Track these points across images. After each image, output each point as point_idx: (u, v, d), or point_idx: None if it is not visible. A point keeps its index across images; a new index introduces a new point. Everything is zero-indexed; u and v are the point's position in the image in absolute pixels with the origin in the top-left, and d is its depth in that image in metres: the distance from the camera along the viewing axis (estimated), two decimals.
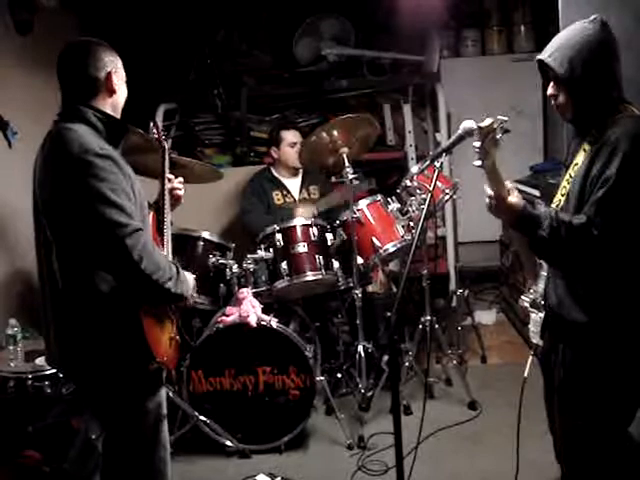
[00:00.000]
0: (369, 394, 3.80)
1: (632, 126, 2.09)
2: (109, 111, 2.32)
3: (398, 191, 3.94)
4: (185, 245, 3.76)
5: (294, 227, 3.85)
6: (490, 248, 5.64)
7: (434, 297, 4.52)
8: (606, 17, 2.17)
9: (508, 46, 6.01)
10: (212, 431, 3.57)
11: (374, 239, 3.81)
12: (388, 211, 3.92)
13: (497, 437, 3.52)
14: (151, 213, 2.55)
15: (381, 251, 3.80)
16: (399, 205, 3.90)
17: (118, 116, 2.38)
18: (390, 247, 3.81)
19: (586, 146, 2.19)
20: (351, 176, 3.84)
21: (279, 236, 3.82)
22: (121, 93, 2.38)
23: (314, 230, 3.85)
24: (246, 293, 3.65)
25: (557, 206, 2.25)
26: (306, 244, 3.81)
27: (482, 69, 5.92)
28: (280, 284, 3.77)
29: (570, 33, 2.17)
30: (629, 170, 2.02)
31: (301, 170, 4.58)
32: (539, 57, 2.22)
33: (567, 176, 2.25)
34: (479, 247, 5.86)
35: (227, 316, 3.63)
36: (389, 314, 2.08)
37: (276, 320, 3.63)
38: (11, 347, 3.26)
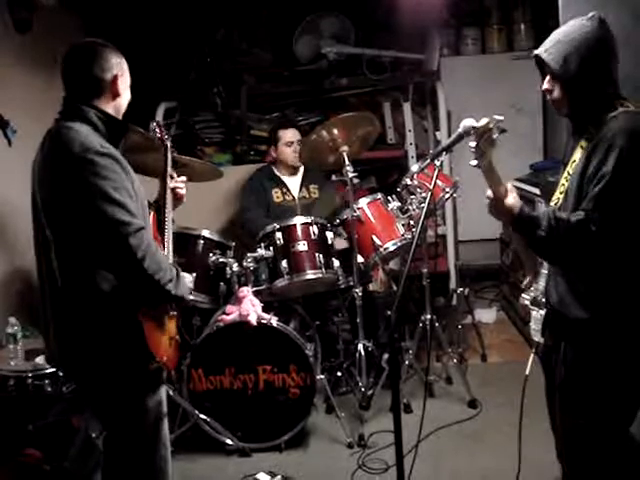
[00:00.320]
0: (369, 392, 3.80)
1: (628, 122, 2.09)
2: (111, 113, 2.33)
3: (398, 190, 3.94)
4: (185, 244, 3.76)
5: (294, 225, 3.85)
6: (490, 246, 5.64)
7: (434, 295, 4.53)
8: (604, 14, 2.17)
9: (508, 44, 6.02)
10: (212, 429, 3.57)
11: (374, 237, 3.81)
12: (388, 210, 3.92)
13: (497, 435, 3.52)
14: (151, 213, 2.55)
15: (381, 250, 3.80)
16: (399, 204, 3.90)
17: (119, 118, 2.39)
18: (390, 246, 3.81)
19: (583, 143, 2.19)
20: (351, 174, 3.84)
21: (279, 234, 3.82)
22: (125, 97, 2.38)
23: (314, 228, 3.85)
24: (246, 292, 3.65)
25: (556, 204, 2.25)
26: (306, 242, 3.80)
27: (482, 67, 5.93)
28: (280, 282, 3.77)
29: (568, 29, 2.18)
30: (626, 165, 2.03)
31: (301, 168, 4.58)
32: (536, 52, 2.23)
33: (565, 174, 2.25)
34: (479, 245, 5.86)
35: (227, 315, 3.63)
36: (389, 313, 2.08)
37: (276, 319, 3.63)
38: (11, 346, 3.26)
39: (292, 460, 3.55)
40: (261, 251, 3.78)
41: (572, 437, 2.29)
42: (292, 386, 3.59)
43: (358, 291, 3.83)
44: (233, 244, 3.94)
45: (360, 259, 3.85)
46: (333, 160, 4.05)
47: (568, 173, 2.22)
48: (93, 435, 3.07)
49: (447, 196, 3.97)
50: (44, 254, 2.28)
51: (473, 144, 2.07)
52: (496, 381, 4.17)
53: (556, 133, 5.67)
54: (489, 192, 2.17)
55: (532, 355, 2.42)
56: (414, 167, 3.90)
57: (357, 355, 3.85)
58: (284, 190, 4.52)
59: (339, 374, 4.05)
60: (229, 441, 3.58)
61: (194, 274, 2.55)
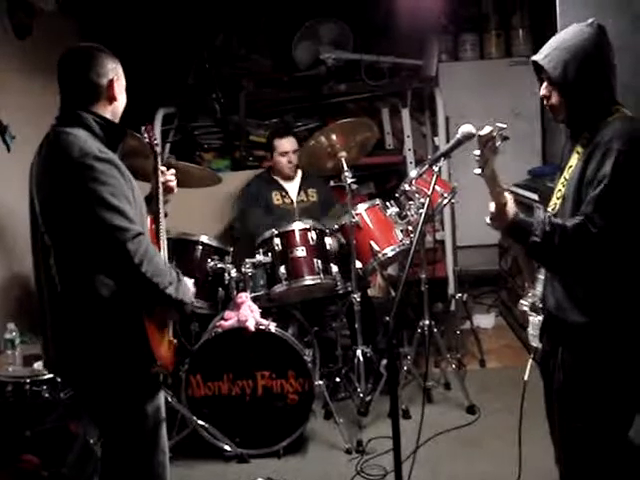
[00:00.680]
0: (368, 398, 3.79)
1: (623, 126, 2.10)
2: (109, 117, 2.33)
3: (397, 195, 3.94)
4: (184, 249, 3.76)
5: (292, 231, 3.86)
6: (489, 252, 5.64)
7: (433, 301, 4.53)
8: (603, 21, 2.18)
9: (506, 50, 6.02)
10: (211, 435, 3.56)
11: (373, 243, 3.81)
12: (387, 215, 3.92)
13: (496, 441, 3.51)
14: (149, 217, 2.55)
15: (380, 255, 3.80)
16: (398, 209, 3.91)
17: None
18: (389, 251, 3.81)
19: (579, 149, 2.19)
20: (350, 180, 3.84)
21: (277, 240, 3.82)
22: (121, 101, 2.38)
23: (312, 234, 3.85)
24: (244, 297, 3.65)
25: (553, 209, 2.25)
26: (305, 248, 3.80)
27: (480, 73, 5.93)
28: (278, 288, 3.77)
29: (566, 36, 2.18)
30: (624, 167, 2.03)
31: (300, 173, 4.58)
32: (534, 58, 2.23)
33: (562, 179, 2.25)
34: (478, 251, 5.86)
35: (225, 320, 3.63)
36: (388, 318, 2.08)
37: (275, 324, 3.63)
38: (9, 351, 3.26)
39: (291, 466, 3.54)
40: (259, 257, 3.78)
41: (570, 442, 2.28)
42: (290, 392, 3.59)
43: (356, 297, 3.82)
44: (231, 250, 3.94)
45: (358, 265, 3.84)
46: (331, 166, 4.06)
47: (565, 179, 2.23)
48: (91, 441, 3.06)
49: (445, 202, 3.98)
50: (43, 260, 2.28)
51: (477, 152, 2.07)
52: (495, 386, 4.17)
53: (555, 138, 5.68)
54: (492, 206, 2.16)
55: (530, 360, 2.42)
56: (412, 173, 3.91)
57: (355, 361, 3.84)
58: (283, 193, 4.52)
59: (337, 380, 4.05)
60: (227, 447, 3.57)
61: (192, 280, 2.54)
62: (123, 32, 4.77)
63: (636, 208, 2.06)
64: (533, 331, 2.38)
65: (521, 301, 2.43)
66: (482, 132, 2.08)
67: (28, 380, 3.04)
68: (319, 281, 3.79)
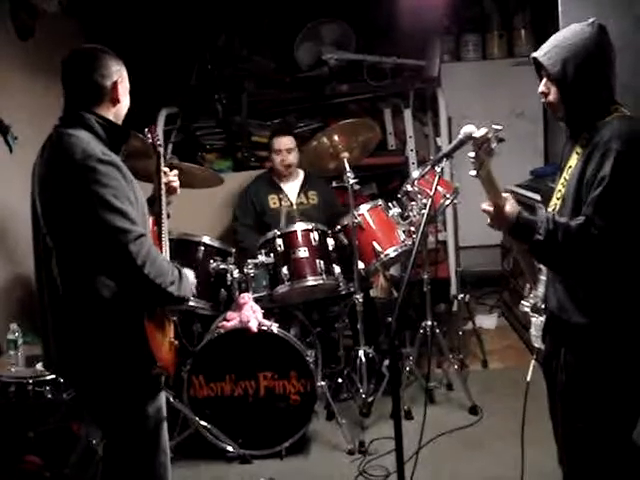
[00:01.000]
0: (370, 399, 3.80)
1: (622, 126, 2.10)
2: (112, 119, 2.33)
3: (399, 196, 3.95)
4: (186, 250, 3.75)
5: (295, 232, 3.85)
6: (491, 252, 5.63)
7: (435, 302, 4.52)
8: (604, 21, 2.18)
9: (508, 50, 6.02)
10: (213, 436, 3.56)
11: (375, 244, 3.81)
12: (389, 216, 3.92)
13: (498, 442, 3.51)
14: (151, 218, 2.55)
15: (382, 256, 3.80)
16: (400, 210, 3.90)
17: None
18: (391, 252, 3.81)
19: (578, 149, 2.19)
20: (352, 181, 3.84)
21: (280, 241, 3.82)
22: (124, 103, 2.39)
23: (315, 235, 3.85)
24: (247, 298, 3.65)
25: (554, 210, 2.25)
26: (307, 249, 3.80)
27: (483, 73, 5.92)
28: (281, 289, 3.77)
29: (567, 34, 2.18)
30: (623, 167, 2.03)
31: (301, 174, 4.57)
32: (534, 54, 2.23)
33: (562, 179, 2.25)
34: (480, 251, 5.85)
35: (228, 321, 3.63)
36: (390, 319, 2.08)
37: (277, 325, 3.63)
38: (12, 352, 3.27)
39: (293, 467, 3.54)
40: (262, 257, 3.78)
41: (574, 443, 2.28)
42: (293, 393, 3.59)
43: (359, 297, 3.82)
44: (234, 250, 3.94)
45: (361, 265, 3.84)
46: (334, 166, 4.06)
47: (564, 179, 2.23)
48: (93, 442, 3.07)
49: (448, 202, 3.98)
50: (44, 261, 2.28)
51: (472, 154, 2.07)
52: (497, 387, 4.17)
53: (557, 138, 5.67)
54: (485, 205, 2.17)
55: (533, 361, 2.42)
56: (415, 173, 3.90)
57: (358, 361, 3.84)
58: (280, 196, 4.50)
59: (340, 380, 4.04)
60: (230, 448, 3.57)
61: (193, 274, 2.56)
62: (126, 33, 4.78)
63: (636, 208, 2.06)
64: (535, 332, 2.38)
65: (522, 302, 2.43)
66: (477, 134, 2.07)
67: (31, 381, 3.05)
68: (321, 282, 3.79)
